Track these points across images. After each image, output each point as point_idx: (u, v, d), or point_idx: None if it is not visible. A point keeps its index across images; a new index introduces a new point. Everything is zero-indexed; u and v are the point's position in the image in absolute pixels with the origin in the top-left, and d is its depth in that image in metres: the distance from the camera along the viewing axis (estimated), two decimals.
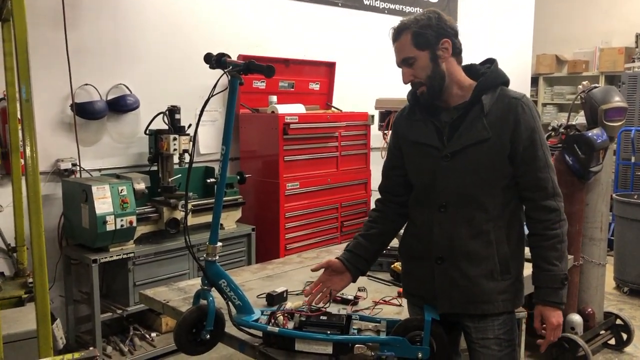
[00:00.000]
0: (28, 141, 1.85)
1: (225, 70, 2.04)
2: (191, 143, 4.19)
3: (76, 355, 1.43)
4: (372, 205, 5.31)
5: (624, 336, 4.11)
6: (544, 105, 8.90)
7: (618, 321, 4.12)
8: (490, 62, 2.10)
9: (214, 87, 2.12)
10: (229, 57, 2.09)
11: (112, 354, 3.79)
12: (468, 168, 1.99)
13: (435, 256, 2.06)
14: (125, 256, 3.73)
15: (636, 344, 4.19)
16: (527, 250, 2.12)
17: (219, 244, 2.20)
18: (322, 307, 2.20)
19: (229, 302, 2.19)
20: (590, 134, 3.54)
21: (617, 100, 3.67)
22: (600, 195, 3.80)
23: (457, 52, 2.04)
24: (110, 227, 3.60)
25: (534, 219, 2.03)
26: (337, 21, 5.57)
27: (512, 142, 1.96)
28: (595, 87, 3.77)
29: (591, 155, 3.53)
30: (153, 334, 4.00)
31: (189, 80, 4.56)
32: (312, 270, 2.25)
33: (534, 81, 8.28)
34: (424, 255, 2.10)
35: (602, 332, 4.05)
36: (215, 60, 2.09)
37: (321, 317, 2.14)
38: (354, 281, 2.26)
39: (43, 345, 1.86)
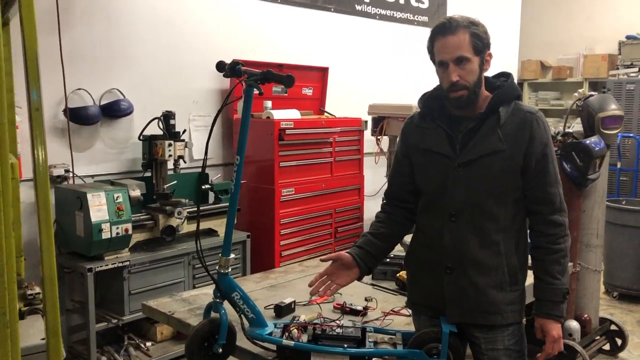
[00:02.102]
0: (41, 150, 1.79)
1: (241, 80, 2.00)
2: (186, 149, 4.14)
3: None
4: (365, 211, 5.34)
5: (619, 342, 4.16)
6: None
7: (613, 327, 4.16)
8: (505, 76, 2.12)
9: (228, 95, 2.08)
10: (243, 65, 2.05)
11: None
12: (480, 178, 1.99)
13: (444, 265, 2.05)
14: (120, 264, 3.65)
15: (630, 349, 4.24)
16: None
17: (232, 255, 2.16)
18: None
19: (242, 315, 2.16)
20: (588, 142, 3.57)
21: (614, 109, 3.71)
22: (596, 202, 3.84)
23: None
24: (105, 235, 3.52)
25: (540, 233, 2.05)
26: (330, 26, 5.56)
27: (525, 156, 1.97)
28: (592, 95, 3.81)
29: (589, 162, 3.56)
30: (148, 344, 3.92)
31: (182, 86, 4.51)
32: (322, 260, 2.21)
33: (519, 86, 8.35)
34: (432, 264, 2.09)
35: (598, 337, 4.09)
36: (229, 69, 2.04)
37: (336, 330, 2.12)
38: (360, 278, 2.23)
39: None
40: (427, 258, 2.12)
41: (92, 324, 3.59)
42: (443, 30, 1.98)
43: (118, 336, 3.96)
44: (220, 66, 2.10)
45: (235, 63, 2.04)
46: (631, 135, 6.32)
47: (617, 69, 7.38)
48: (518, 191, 2.02)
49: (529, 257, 2.13)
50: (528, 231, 2.12)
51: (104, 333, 3.84)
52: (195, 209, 4.10)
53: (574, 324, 3.80)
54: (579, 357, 3.65)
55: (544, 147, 1.99)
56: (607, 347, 4.19)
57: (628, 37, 7.50)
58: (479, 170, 1.99)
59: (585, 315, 3.92)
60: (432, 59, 2.07)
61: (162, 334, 4.03)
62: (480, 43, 1.97)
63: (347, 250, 2.22)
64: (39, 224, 1.83)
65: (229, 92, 2.10)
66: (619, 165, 6.47)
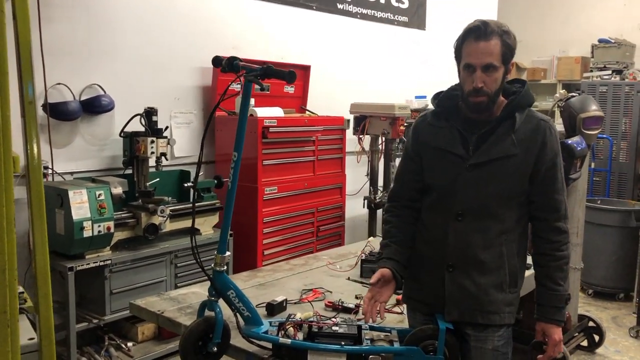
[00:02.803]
0: (34, 144, 1.74)
1: (240, 75, 1.97)
2: (169, 146, 4.08)
3: None
4: (347, 211, 5.34)
5: (596, 338, 4.24)
6: None
7: (591, 323, 4.24)
8: (521, 83, 2.14)
9: (225, 91, 2.04)
10: (241, 60, 2.02)
11: None
12: (490, 180, 2.02)
13: (446, 263, 2.07)
14: (102, 263, 3.58)
15: (606, 345, 4.33)
16: None
17: (228, 253, 2.13)
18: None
19: (237, 314, 2.13)
20: (570, 142, 3.63)
21: (595, 109, 3.78)
22: (577, 202, 3.91)
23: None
24: (87, 233, 3.45)
25: (544, 239, 2.08)
26: (312, 24, 5.54)
27: (536, 162, 2.01)
28: (573, 96, 3.87)
29: (571, 162, 3.61)
30: (129, 344, 3.85)
31: (163, 82, 4.44)
32: (372, 284, 2.11)
33: None
34: (434, 261, 2.10)
35: (577, 334, 4.16)
36: (226, 64, 2.01)
37: (333, 328, 2.11)
38: (398, 290, 2.20)
39: None
40: (429, 255, 2.13)
41: (73, 324, 3.51)
42: (477, 34, 1.97)
43: (98, 336, 3.88)
44: (217, 61, 2.07)
45: (233, 58, 2.01)
46: (604, 136, 6.45)
47: (591, 71, 7.53)
48: (523, 195, 2.06)
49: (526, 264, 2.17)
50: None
51: (84, 333, 3.75)
52: (178, 207, 4.07)
53: None
54: (560, 353, 3.71)
55: (555, 156, 2.04)
56: (585, 343, 4.27)
57: (600, 41, 7.66)
58: (489, 172, 2.02)
59: (566, 313, 3.98)
60: (457, 58, 2.06)
61: (143, 334, 3.96)
62: (509, 53, 1.99)
63: (385, 266, 2.13)
64: (31, 220, 1.79)
65: (226, 87, 2.05)
66: (592, 166, 6.59)
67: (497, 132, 2.02)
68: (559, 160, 2.06)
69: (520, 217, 2.08)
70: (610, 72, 7.17)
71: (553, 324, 2.08)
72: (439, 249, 2.09)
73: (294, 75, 1.91)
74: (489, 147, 2.02)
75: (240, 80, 2.01)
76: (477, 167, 2.02)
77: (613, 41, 7.51)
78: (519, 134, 2.01)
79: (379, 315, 2.06)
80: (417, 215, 2.22)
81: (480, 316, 2.05)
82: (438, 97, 2.18)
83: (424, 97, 6.03)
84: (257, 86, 1.99)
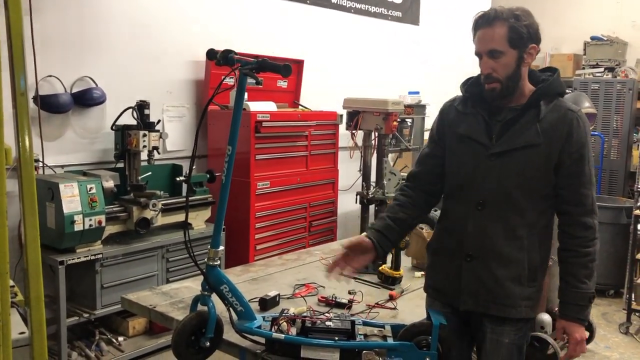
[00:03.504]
0: (26, 136, 1.71)
1: (235, 68, 1.95)
2: (161, 139, 4.06)
3: None
4: (339, 206, 5.33)
5: (587, 334, 4.25)
6: None
7: None
8: (552, 71, 2.09)
9: (219, 84, 2.02)
10: (236, 53, 2.00)
11: (78, 359, 3.62)
12: (512, 170, 1.97)
13: (465, 253, 2.04)
14: (93, 257, 3.56)
15: (596, 340, 4.34)
16: None
17: (221, 247, 2.11)
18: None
19: (231, 308, 2.12)
20: None
21: (587, 106, 3.79)
22: None
23: (532, 60, 2.02)
24: (78, 227, 3.42)
25: (569, 234, 2.00)
26: (306, 19, 5.52)
27: (560, 153, 1.94)
28: (566, 93, 3.88)
29: None
30: (120, 338, 3.84)
31: (156, 75, 4.41)
32: (345, 247, 2.14)
33: None
34: (453, 250, 2.08)
35: None
36: (221, 57, 1.99)
37: (326, 323, 2.10)
38: (374, 262, 2.20)
39: (38, 358, 1.73)
40: (449, 244, 2.11)
41: (63, 318, 3.49)
42: (482, 22, 1.96)
43: (89, 331, 3.86)
44: (212, 54, 2.05)
45: (227, 51, 1.99)
46: (596, 133, 6.48)
47: (583, 68, 7.56)
48: (548, 188, 1.99)
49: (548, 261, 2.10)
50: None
51: (74, 328, 3.73)
52: (170, 201, 4.04)
53: (546, 317, 3.82)
54: (551, 349, 3.72)
55: (581, 147, 1.95)
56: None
57: (593, 38, 7.70)
58: (511, 162, 1.97)
59: (557, 309, 3.99)
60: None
61: (134, 328, 3.95)
62: (519, 37, 1.93)
63: (367, 235, 2.15)
64: (22, 214, 1.76)
65: (221, 80, 2.03)
66: None
67: (522, 121, 1.96)
68: (587, 152, 1.96)
69: (545, 210, 2.02)
70: (602, 69, 7.21)
71: (575, 323, 2.02)
72: (458, 239, 2.06)
73: (290, 69, 1.89)
74: (511, 135, 1.96)
75: (234, 73, 1.99)
76: (499, 156, 1.97)
77: (605, 39, 7.55)
78: (544, 123, 1.93)
79: (343, 276, 2.14)
80: (430, 199, 2.20)
81: (495, 308, 2.02)
82: (467, 84, 2.12)
83: (417, 92, 6.03)
84: (251, 80, 1.97)
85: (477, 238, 2.02)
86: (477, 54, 2.00)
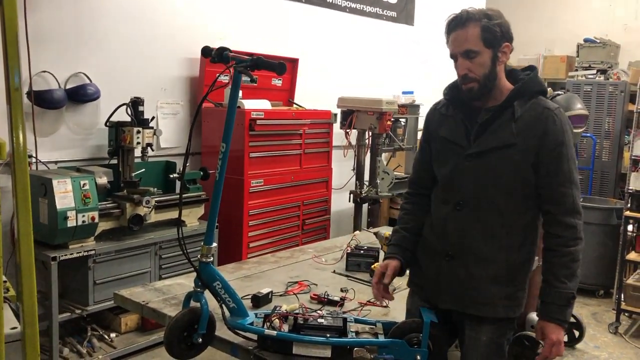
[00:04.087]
0: (20, 132, 1.72)
1: (230, 66, 1.96)
2: (155, 136, 4.06)
3: None
4: (333, 204, 5.34)
5: (576, 333, 4.28)
6: None
7: (571, 319, 4.29)
8: (531, 69, 2.09)
9: (214, 82, 2.03)
10: (230, 50, 2.01)
11: (70, 356, 3.61)
12: (488, 170, 1.99)
13: (445, 252, 2.06)
14: (85, 253, 3.56)
15: (586, 340, 4.37)
16: None
17: (214, 244, 2.12)
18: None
19: (223, 305, 2.13)
20: None
21: (579, 108, 3.80)
22: None
23: (507, 59, 2.03)
24: (71, 223, 3.42)
25: (551, 234, 2.00)
26: (301, 17, 5.52)
27: (538, 152, 1.94)
28: (559, 95, 3.90)
29: None
30: (112, 335, 3.84)
31: (150, 72, 4.40)
32: (386, 284, 2.16)
33: None
34: (435, 250, 2.11)
35: None
36: (216, 55, 2.00)
37: (318, 320, 2.12)
38: (401, 274, 2.21)
39: (30, 354, 1.74)
40: (432, 243, 2.13)
41: (55, 314, 3.48)
42: (454, 24, 1.98)
43: (81, 327, 3.86)
44: (207, 51, 2.06)
45: (222, 49, 2.00)
46: (588, 135, 6.52)
47: (576, 70, 7.60)
48: (528, 188, 1.99)
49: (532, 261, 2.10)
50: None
51: (66, 324, 3.73)
52: (163, 198, 4.04)
53: (535, 316, 3.90)
54: (540, 347, 3.75)
55: (559, 145, 1.93)
56: (565, 338, 4.31)
57: (586, 40, 7.74)
58: (487, 162, 1.99)
59: None
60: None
61: (126, 325, 3.95)
62: (493, 36, 1.94)
63: (389, 253, 2.21)
64: (16, 208, 1.77)
65: (215, 78, 2.04)
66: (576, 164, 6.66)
67: (498, 122, 1.98)
68: (566, 150, 1.94)
69: (525, 210, 2.02)
70: (595, 71, 7.25)
71: (553, 323, 1.97)
72: (440, 238, 2.09)
73: (284, 67, 1.90)
74: (487, 136, 1.98)
75: (229, 71, 1.99)
76: (476, 157, 1.99)
77: (598, 41, 7.59)
78: (520, 122, 1.94)
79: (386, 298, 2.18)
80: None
81: (473, 307, 2.04)
82: (448, 87, 2.15)
83: (411, 92, 6.05)
84: (246, 77, 1.98)
85: (456, 238, 2.04)
86: (452, 56, 2.02)
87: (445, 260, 2.06)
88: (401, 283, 2.93)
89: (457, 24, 1.97)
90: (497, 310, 2.03)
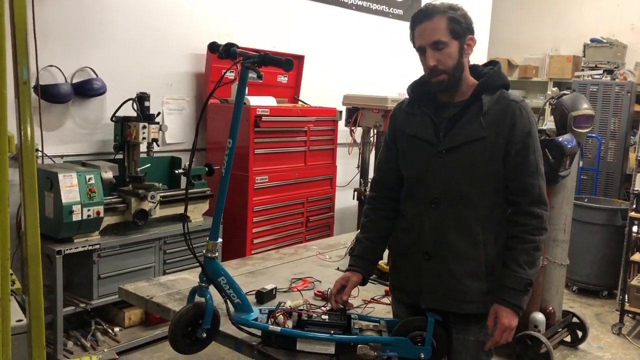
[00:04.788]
0: (28, 125, 1.72)
1: (237, 62, 1.96)
2: (161, 132, 4.07)
3: (94, 357, 1.34)
4: (337, 202, 5.35)
5: (580, 334, 4.29)
6: None
7: (574, 319, 4.29)
8: (494, 64, 2.11)
9: (221, 77, 2.04)
10: (238, 46, 2.02)
11: (74, 349, 3.62)
12: (461, 165, 1.99)
13: (423, 251, 2.05)
14: (90, 248, 3.57)
15: (589, 341, 4.38)
16: None
17: (220, 240, 2.13)
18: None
19: (228, 300, 2.13)
20: (561, 139, 3.64)
21: (586, 108, 3.80)
22: (565, 199, 3.93)
23: (470, 52, 2.04)
24: (76, 217, 3.44)
25: (516, 222, 2.01)
26: (307, 14, 5.52)
27: (506, 144, 1.96)
28: (565, 94, 3.89)
29: (561, 160, 3.64)
30: (116, 329, 3.85)
31: (156, 67, 4.41)
32: (344, 300, 2.19)
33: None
34: (412, 249, 2.09)
35: (560, 329, 4.20)
36: (223, 50, 2.00)
37: (322, 317, 2.12)
38: (363, 284, 2.23)
39: (36, 346, 1.75)
40: (407, 244, 2.12)
41: (60, 308, 3.50)
42: (420, 17, 1.99)
43: (84, 321, 3.87)
44: (214, 47, 2.06)
45: (230, 45, 2.00)
46: (593, 135, 6.50)
47: (582, 70, 7.57)
48: (499, 181, 2.01)
49: None
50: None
51: (70, 317, 3.75)
52: (168, 193, 4.05)
53: (539, 316, 3.89)
54: (543, 347, 3.75)
55: (526, 136, 1.96)
56: (568, 339, 4.32)
57: (592, 40, 7.71)
58: (459, 157, 1.99)
59: (550, 308, 4.02)
60: (415, 46, 2.07)
61: (130, 319, 3.96)
62: (459, 27, 1.96)
63: (350, 264, 2.22)
64: (23, 200, 1.78)
65: (223, 75, 2.05)
66: (580, 164, 6.65)
67: (466, 116, 1.98)
68: (533, 142, 1.97)
69: (498, 204, 2.03)
70: (601, 71, 7.21)
71: (508, 308, 1.95)
72: (416, 237, 2.07)
73: (292, 63, 1.90)
74: (457, 131, 1.99)
75: (236, 67, 2.00)
76: (447, 153, 1.99)
77: (605, 41, 7.56)
78: (488, 116, 1.96)
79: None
80: (397, 206, 2.22)
81: (455, 305, 2.03)
82: (412, 85, 2.17)
83: None
84: (253, 73, 1.98)
85: (433, 236, 2.03)
86: (420, 48, 2.02)
87: (424, 259, 2.05)
88: None
89: (423, 17, 1.98)
90: (479, 307, 2.03)
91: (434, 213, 2.03)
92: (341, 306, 2.16)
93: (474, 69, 2.10)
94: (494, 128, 1.96)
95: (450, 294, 2.03)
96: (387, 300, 2.61)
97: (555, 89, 4.05)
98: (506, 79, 2.07)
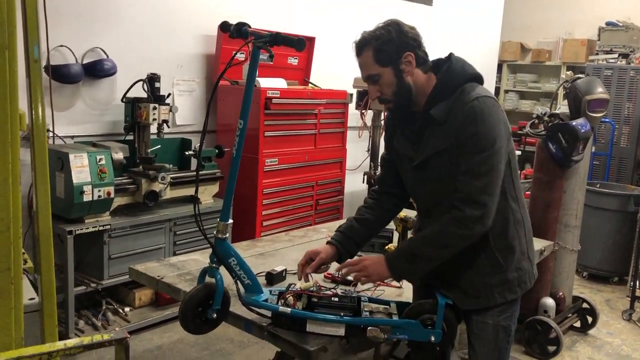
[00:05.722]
0: (39, 104, 1.72)
1: (249, 41, 1.94)
2: (171, 113, 4.06)
3: (105, 336, 1.35)
4: (346, 185, 5.33)
5: (589, 319, 4.29)
6: (506, 92, 9.07)
7: (585, 305, 4.28)
8: (446, 61, 2.03)
9: (232, 58, 2.02)
10: (249, 26, 1.99)
11: (85, 328, 3.66)
12: (433, 177, 2.00)
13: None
14: (101, 228, 3.59)
15: (599, 326, 4.37)
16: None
17: (230, 221, 2.12)
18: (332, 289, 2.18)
19: (238, 281, 2.13)
20: (574, 124, 3.62)
21: (600, 92, 3.76)
22: (577, 184, 3.91)
23: (421, 62, 1.98)
24: (87, 197, 3.45)
25: (447, 211, 1.94)
26: None
27: (458, 147, 1.90)
28: (579, 78, 3.85)
29: (574, 144, 3.61)
30: (126, 309, 3.88)
31: (166, 48, 4.39)
32: (307, 273, 2.24)
33: (498, 68, 8.41)
34: None
35: (570, 315, 4.20)
36: (235, 30, 1.98)
37: (333, 299, 2.12)
38: (339, 261, 2.26)
39: (48, 324, 1.76)
40: None
41: (71, 287, 3.53)
42: (355, 52, 2.03)
43: (95, 301, 3.91)
44: (225, 26, 2.04)
45: (241, 24, 1.98)
46: (607, 120, 6.42)
47: (596, 54, 7.47)
48: None
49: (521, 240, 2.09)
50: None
51: (81, 297, 3.78)
52: (179, 174, 4.06)
53: (549, 301, 3.90)
54: (553, 332, 3.75)
55: (472, 136, 1.86)
56: (578, 324, 4.31)
57: (608, 24, 7.59)
58: (431, 169, 1.99)
59: (560, 293, 4.02)
60: None
61: (140, 299, 3.99)
62: (385, 55, 1.93)
63: (331, 243, 2.26)
64: (34, 180, 1.78)
65: (234, 54, 2.03)
66: (593, 150, 6.58)
67: (430, 127, 1.96)
68: (480, 141, 1.86)
69: None
70: (616, 55, 7.11)
71: (384, 259, 2.02)
72: None
73: (304, 43, 1.88)
74: (424, 144, 1.98)
75: (247, 47, 1.98)
76: (421, 167, 2.00)
77: (621, 24, 7.44)
78: (449, 123, 1.90)
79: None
80: (398, 202, 2.25)
81: (469, 302, 2.06)
82: None
83: None
84: (264, 54, 1.96)
85: None
86: (364, 81, 2.05)
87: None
88: None
89: (356, 53, 2.01)
90: (495, 299, 2.05)
91: (429, 222, 2.07)
92: (304, 280, 2.20)
93: (437, 66, 2.03)
94: (452, 135, 1.90)
95: (465, 294, 2.06)
96: (396, 283, 2.60)
97: (569, 72, 4.01)
98: (466, 73, 1.98)
